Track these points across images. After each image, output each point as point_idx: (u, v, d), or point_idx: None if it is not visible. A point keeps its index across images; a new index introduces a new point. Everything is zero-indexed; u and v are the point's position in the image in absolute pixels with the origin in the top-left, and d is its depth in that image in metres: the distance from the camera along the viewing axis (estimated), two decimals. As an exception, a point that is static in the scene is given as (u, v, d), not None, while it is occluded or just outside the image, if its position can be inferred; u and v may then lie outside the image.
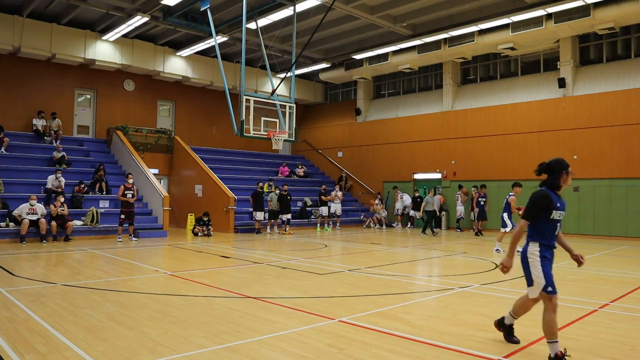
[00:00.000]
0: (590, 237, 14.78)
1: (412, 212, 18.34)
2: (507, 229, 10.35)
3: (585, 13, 13.90)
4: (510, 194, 10.22)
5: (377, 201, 18.74)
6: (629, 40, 15.47)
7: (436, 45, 16.97)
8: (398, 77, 20.99)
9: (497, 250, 10.36)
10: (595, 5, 13.68)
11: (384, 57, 18.41)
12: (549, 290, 3.39)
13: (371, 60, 18.94)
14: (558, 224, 3.51)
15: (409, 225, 18.66)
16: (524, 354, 3.71)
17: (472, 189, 16.30)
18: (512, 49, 16.15)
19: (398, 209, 18.70)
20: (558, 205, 3.50)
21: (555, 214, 3.47)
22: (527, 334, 4.17)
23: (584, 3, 13.68)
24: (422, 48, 17.30)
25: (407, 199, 18.51)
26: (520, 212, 10.15)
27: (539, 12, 14.47)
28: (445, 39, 16.62)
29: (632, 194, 14.40)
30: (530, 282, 3.49)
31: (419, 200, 17.70)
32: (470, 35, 16.12)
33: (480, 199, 15.16)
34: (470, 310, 5.15)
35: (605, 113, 15.07)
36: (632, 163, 14.48)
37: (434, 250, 11.46)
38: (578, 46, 16.32)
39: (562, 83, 15.87)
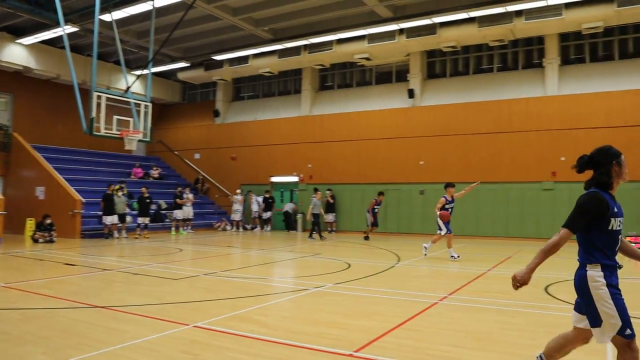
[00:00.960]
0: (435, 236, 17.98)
1: (264, 214, 20.72)
2: (442, 232, 11.21)
3: (432, 31, 17.87)
4: (444, 195, 11.47)
5: (236, 204, 20.55)
6: (468, 59, 19.99)
7: (296, 51, 19.80)
8: (258, 81, 23.53)
9: (425, 247, 11.56)
10: (441, 24, 17.68)
11: (245, 59, 20.75)
12: (628, 334, 2.81)
13: (232, 62, 21.14)
14: (619, 236, 2.99)
15: (265, 228, 20.86)
16: (373, 348, 4.41)
17: (378, 195, 17.22)
18: (367, 59, 19.73)
19: (255, 212, 20.96)
20: (615, 210, 2.96)
21: (615, 223, 2.94)
22: (375, 328, 5.05)
23: (431, 22, 17.81)
24: (282, 53, 20.00)
25: (260, 201, 20.83)
26: (438, 214, 11.29)
27: (393, 27, 18.22)
28: (305, 46, 19.46)
29: (470, 197, 17.92)
30: (597, 322, 2.89)
31: (270, 201, 20.44)
32: (329, 43, 19.32)
33: (376, 207, 16.95)
34: (324, 309, 6.00)
35: (447, 123, 18.91)
36: (470, 169, 18.23)
37: (290, 252, 13.02)
38: (426, 60, 20.36)
39: (411, 94, 19.64)
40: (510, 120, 17.99)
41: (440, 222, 11.36)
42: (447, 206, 11.32)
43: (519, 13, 16.15)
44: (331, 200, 19.42)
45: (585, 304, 2.99)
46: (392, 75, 21.11)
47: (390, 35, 18.39)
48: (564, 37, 18.08)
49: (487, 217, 18.09)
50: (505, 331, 5.17)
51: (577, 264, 3.12)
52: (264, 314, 5.80)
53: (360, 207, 19.20)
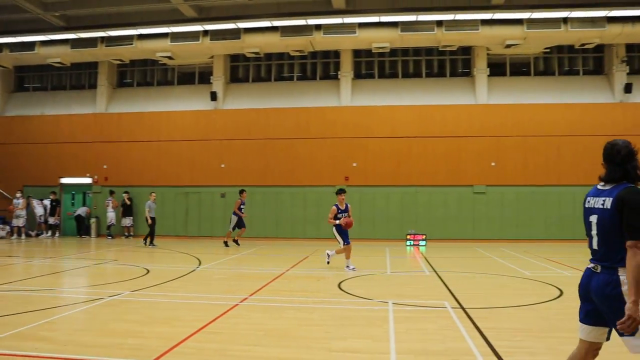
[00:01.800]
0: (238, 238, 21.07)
1: (50, 219, 21.73)
2: (341, 244, 11.65)
3: (237, 36, 21.09)
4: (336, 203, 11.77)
5: (18, 209, 21.04)
6: (270, 66, 23.94)
7: (92, 42, 21.02)
8: (47, 71, 24.12)
9: (328, 254, 12.02)
10: (246, 30, 21.02)
11: (31, 46, 21.31)
12: None
13: (14, 47, 21.48)
14: None
15: (54, 235, 21.72)
16: (173, 354, 4.90)
17: (241, 194, 18.23)
18: (170, 58, 22.27)
19: (40, 217, 21.69)
20: None
21: None
22: (176, 334, 5.59)
23: (236, 26, 21.14)
24: (76, 43, 20.99)
25: (47, 204, 21.70)
26: (340, 221, 12.60)
27: (197, 28, 20.99)
28: (102, 38, 20.82)
29: (270, 200, 21.88)
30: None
31: (54, 204, 21.55)
32: (129, 38, 21.10)
33: (242, 206, 17.74)
34: (120, 318, 6.40)
35: (249, 127, 22.48)
36: (270, 173, 22.03)
37: (82, 260, 13.65)
38: (229, 64, 23.74)
39: (214, 96, 22.81)
40: (308, 127, 22.18)
41: (336, 234, 11.67)
42: (339, 215, 11.81)
43: (318, 27, 20.11)
44: (128, 203, 21.51)
45: (615, 312, 3.05)
46: (195, 77, 23.88)
47: (194, 35, 20.98)
48: (357, 53, 23.06)
49: (287, 219, 21.99)
50: (302, 327, 6.16)
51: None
52: (52, 328, 5.93)
53: (160, 210, 21.56)
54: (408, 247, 18.43)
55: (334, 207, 11.46)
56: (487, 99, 21.25)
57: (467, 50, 21.96)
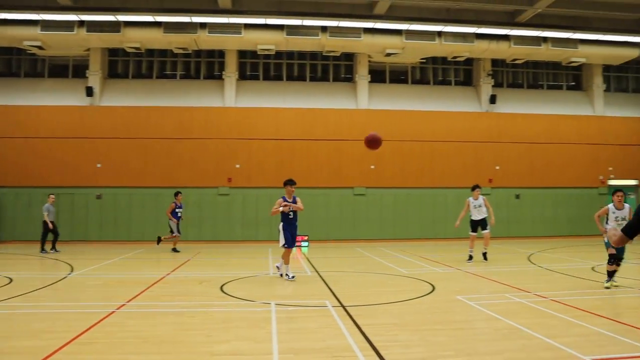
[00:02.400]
0: (114, 242, 20.11)
1: None
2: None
3: (116, 29, 19.93)
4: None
5: None
6: (152, 62, 23.11)
7: None
8: None
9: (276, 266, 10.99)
10: (126, 24, 19.87)
11: None
12: None
13: None
14: None
15: None
16: None
17: (176, 196, 16.74)
18: (40, 47, 20.79)
19: None
20: None
21: None
22: (44, 347, 5.26)
23: (115, 19, 20.01)
24: None
25: None
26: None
27: (72, 17, 19.63)
28: None
29: (150, 202, 21.01)
30: None
31: None
32: None
33: (177, 210, 16.51)
34: None
35: (128, 125, 21.44)
36: (150, 173, 21.12)
37: None
38: (108, 58, 22.59)
39: (89, 92, 21.45)
40: (190, 127, 21.61)
41: (281, 232, 10.70)
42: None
43: (203, 25, 19.71)
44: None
45: None
46: (68, 70, 22.37)
47: (68, 25, 19.55)
48: (242, 54, 22.90)
49: (167, 221, 21.23)
50: (183, 332, 6.06)
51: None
52: None
53: (26, 213, 19.99)
54: (291, 249, 18.56)
55: (280, 199, 10.34)
56: (368, 104, 22.12)
57: (349, 57, 22.72)
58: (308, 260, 14.50)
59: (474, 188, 13.56)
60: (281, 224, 10.29)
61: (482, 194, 13.63)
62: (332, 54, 21.22)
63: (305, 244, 19.17)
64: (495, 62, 23.45)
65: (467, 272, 11.64)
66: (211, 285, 9.79)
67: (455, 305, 7.77)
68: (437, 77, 23.47)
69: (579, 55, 21.67)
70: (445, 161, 22.01)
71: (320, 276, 11.08)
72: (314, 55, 22.51)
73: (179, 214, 16.53)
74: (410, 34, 19.79)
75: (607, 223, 9.28)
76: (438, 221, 21.65)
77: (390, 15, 18.94)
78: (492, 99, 22.49)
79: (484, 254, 13.37)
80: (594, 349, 5.39)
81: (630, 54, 22.26)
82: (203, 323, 6.56)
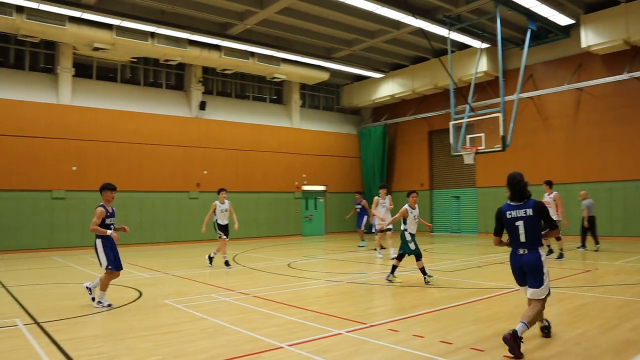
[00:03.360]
0: None
1: None
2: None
3: None
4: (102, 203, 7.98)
5: None
6: None
7: None
8: None
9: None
10: None
11: None
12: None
13: None
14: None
15: None
16: None
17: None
18: None
19: None
20: None
21: None
22: None
23: None
24: None
25: None
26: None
27: None
28: None
29: None
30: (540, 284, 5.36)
31: None
32: None
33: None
34: None
35: None
36: None
37: None
38: None
39: None
40: None
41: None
42: (107, 221, 8.01)
43: None
44: None
45: (537, 274, 5.38)
46: None
47: None
48: None
49: None
50: None
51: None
52: None
53: None
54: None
55: (102, 208, 7.96)
56: (71, 100, 20.37)
57: (51, 46, 20.57)
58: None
59: (219, 192, 13.38)
60: (100, 240, 7.96)
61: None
62: (29, 39, 18.82)
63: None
64: (206, 70, 24.15)
65: (174, 276, 11.69)
66: None
67: (163, 310, 7.75)
68: (148, 79, 23.00)
69: (281, 73, 23.82)
70: (155, 165, 21.70)
71: (9, 291, 9.77)
72: (5, 37, 19.69)
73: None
74: (121, 30, 18.93)
75: (404, 223, 10.13)
76: (146, 226, 21.20)
77: (101, 7, 17.77)
78: (202, 105, 23.08)
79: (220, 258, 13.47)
80: (288, 335, 6.02)
81: (322, 76, 25.46)
82: None
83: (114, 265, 7.97)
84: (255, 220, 24.45)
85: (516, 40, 21.93)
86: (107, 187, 8.04)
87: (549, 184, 13.83)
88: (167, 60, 21.30)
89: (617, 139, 19.85)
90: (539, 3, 17.34)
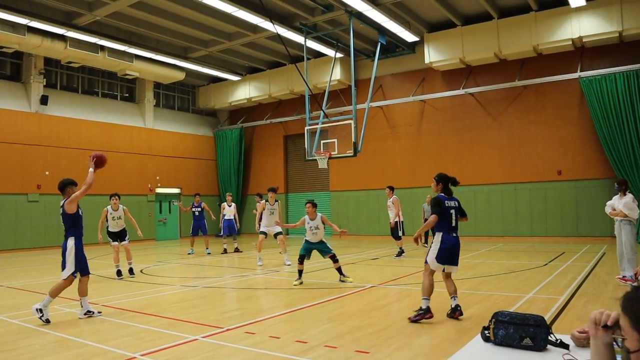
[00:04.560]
0: None
1: None
2: None
3: None
4: None
5: None
6: None
7: None
8: None
9: None
10: None
11: None
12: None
13: None
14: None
15: None
16: None
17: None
18: None
19: None
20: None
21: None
22: None
23: None
24: None
25: None
26: None
27: None
28: None
29: None
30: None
31: None
32: None
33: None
34: None
35: None
36: None
37: None
38: None
39: None
40: None
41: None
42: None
43: None
44: None
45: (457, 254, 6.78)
46: None
47: None
48: None
49: None
50: None
51: None
52: None
53: None
54: None
55: None
56: None
57: None
58: None
59: (111, 196, 12.07)
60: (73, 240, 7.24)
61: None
62: None
63: None
64: (49, 61, 22.26)
65: (10, 288, 10.62)
66: None
67: (-5, 324, 6.98)
68: (-23, 67, 20.61)
69: (133, 69, 22.72)
70: (-14, 163, 19.48)
71: None
72: None
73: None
74: (-56, 10, 16.75)
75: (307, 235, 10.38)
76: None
77: None
78: (44, 100, 21.22)
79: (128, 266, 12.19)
80: (141, 345, 5.76)
81: (178, 76, 24.74)
82: None
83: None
84: (103, 224, 22.96)
85: (368, 52, 23.14)
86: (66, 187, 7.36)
87: (391, 188, 15.13)
88: (1, 47, 19.22)
89: (455, 147, 21.80)
90: (388, 19, 18.47)
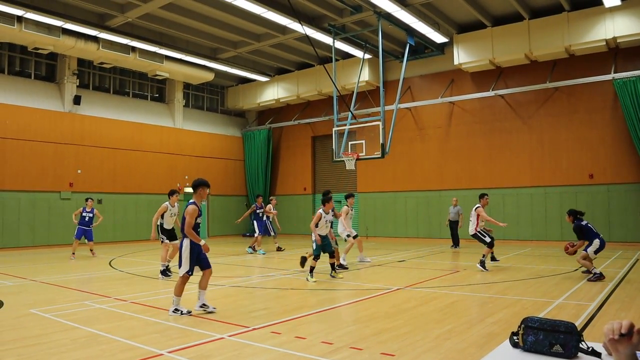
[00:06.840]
0: None
1: None
2: None
3: None
4: None
5: None
6: None
7: None
8: None
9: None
10: None
11: None
12: None
13: None
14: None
15: None
16: None
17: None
18: None
19: None
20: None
21: None
22: None
23: None
24: None
25: None
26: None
27: None
28: None
29: None
30: None
31: None
32: None
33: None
34: None
35: None
36: None
37: None
38: None
39: None
40: None
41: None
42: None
43: None
44: None
45: None
46: None
47: None
48: None
49: None
50: None
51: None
52: None
53: None
54: None
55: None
56: None
57: None
58: None
59: (171, 193, 12.32)
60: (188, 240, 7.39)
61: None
62: None
63: None
64: (82, 62, 22.73)
65: (43, 283, 10.85)
66: None
67: (28, 320, 7.15)
68: (14, 67, 21.17)
69: (163, 70, 23.04)
70: (20, 162, 19.98)
71: None
72: None
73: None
74: (-17, 12, 17.24)
75: (316, 226, 10.58)
76: (9, 228, 19.48)
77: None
78: (77, 100, 21.67)
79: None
80: (168, 342, 5.83)
81: (207, 76, 25.00)
82: None
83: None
84: (134, 223, 23.39)
85: (396, 54, 23.02)
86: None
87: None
88: (36, 48, 19.68)
89: (483, 150, 21.52)
90: (416, 20, 18.33)
